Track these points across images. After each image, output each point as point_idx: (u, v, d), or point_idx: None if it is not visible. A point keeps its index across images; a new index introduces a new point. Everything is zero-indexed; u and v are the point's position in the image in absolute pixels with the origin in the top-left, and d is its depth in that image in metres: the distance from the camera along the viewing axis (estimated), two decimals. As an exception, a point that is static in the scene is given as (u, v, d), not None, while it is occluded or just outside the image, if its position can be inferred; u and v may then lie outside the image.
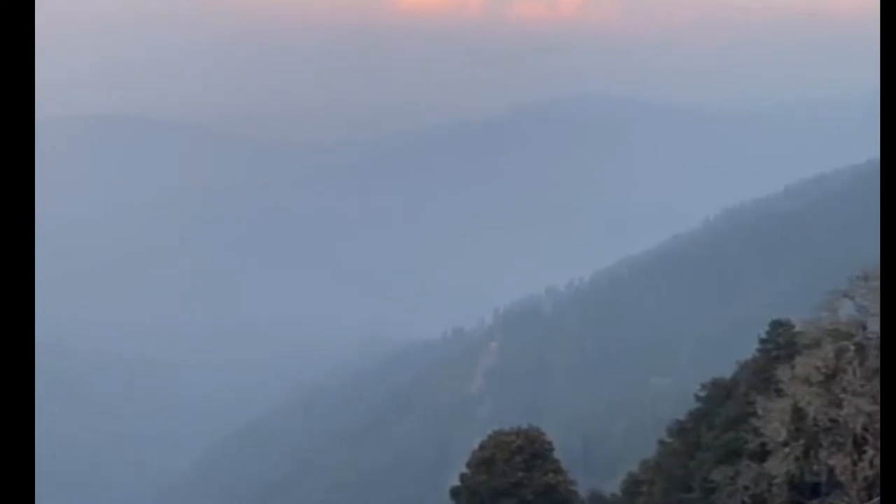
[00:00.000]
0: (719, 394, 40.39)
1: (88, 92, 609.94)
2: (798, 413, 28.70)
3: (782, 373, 30.15)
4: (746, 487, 31.52)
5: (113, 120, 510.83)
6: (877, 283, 25.83)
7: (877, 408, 26.03)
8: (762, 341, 38.03)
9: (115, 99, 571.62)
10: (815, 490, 29.79)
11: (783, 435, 28.97)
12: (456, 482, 39.64)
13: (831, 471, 28.55)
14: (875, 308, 27.32)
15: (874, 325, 27.98)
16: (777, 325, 37.57)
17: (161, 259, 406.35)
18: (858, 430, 27.68)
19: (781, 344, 36.06)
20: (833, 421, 28.24)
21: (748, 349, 40.48)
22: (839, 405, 28.07)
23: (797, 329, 34.94)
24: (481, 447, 39.63)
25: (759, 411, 30.55)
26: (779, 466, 29.31)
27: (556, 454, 38.79)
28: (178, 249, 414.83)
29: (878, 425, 26.07)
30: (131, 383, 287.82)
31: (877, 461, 26.74)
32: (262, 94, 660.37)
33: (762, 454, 31.10)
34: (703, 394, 41.88)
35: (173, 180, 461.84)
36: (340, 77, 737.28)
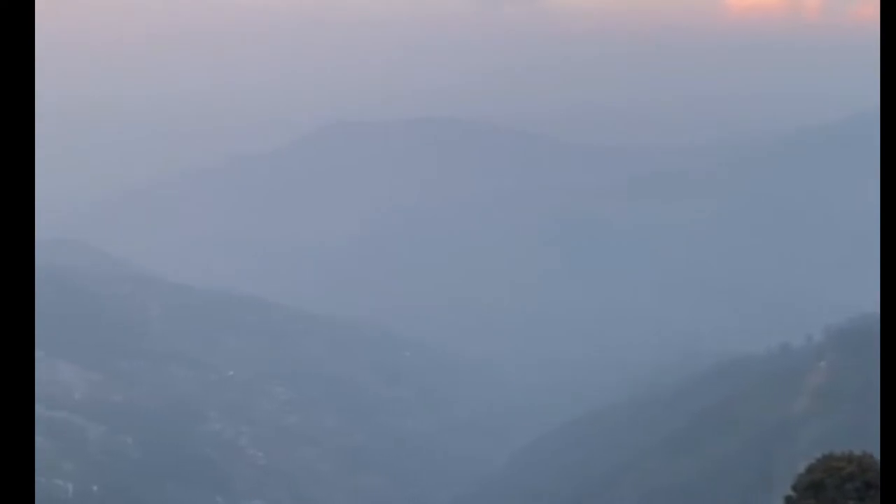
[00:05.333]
0: None
1: (437, 99, 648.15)
2: None
3: None
4: None
5: (460, 123, 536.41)
6: None
7: None
8: None
9: (458, 104, 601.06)
10: None
11: None
12: (780, 504, 39.93)
13: None
14: None
15: None
16: None
17: (492, 257, 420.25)
18: None
19: None
20: None
21: None
22: None
23: None
24: (809, 470, 38.96)
25: None
26: None
27: (892, 485, 38.55)
28: (510, 248, 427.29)
29: None
30: (457, 377, 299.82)
31: None
32: (597, 99, 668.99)
33: None
34: None
35: (509, 182, 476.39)
36: (671, 81, 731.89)
